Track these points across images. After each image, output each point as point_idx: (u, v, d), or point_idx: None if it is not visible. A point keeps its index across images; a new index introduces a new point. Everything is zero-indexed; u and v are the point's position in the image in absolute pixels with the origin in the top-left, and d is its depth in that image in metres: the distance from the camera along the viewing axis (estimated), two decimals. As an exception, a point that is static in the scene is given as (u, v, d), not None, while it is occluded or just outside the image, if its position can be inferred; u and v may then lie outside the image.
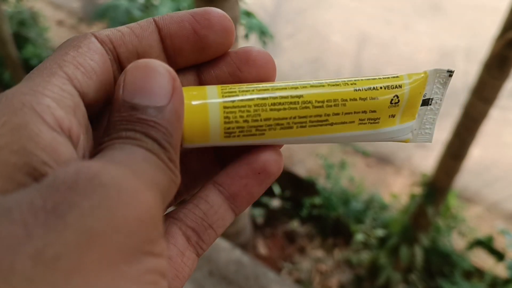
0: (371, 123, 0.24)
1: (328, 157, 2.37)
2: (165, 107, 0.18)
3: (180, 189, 0.25)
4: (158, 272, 0.15)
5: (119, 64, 0.22)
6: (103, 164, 0.15)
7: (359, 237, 2.01)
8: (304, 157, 2.56)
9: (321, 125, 0.23)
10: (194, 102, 0.21)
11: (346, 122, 0.24)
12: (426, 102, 0.25)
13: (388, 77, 0.25)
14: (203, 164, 0.26)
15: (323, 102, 0.23)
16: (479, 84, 1.40)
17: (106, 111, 0.22)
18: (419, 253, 1.70)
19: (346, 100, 0.23)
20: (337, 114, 0.23)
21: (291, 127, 0.23)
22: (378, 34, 3.50)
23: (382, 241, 1.84)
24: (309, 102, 0.23)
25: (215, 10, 0.23)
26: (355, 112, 0.24)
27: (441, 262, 1.87)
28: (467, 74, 3.13)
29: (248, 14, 1.94)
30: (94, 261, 0.13)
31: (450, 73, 0.25)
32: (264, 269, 1.27)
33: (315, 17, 3.70)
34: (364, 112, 0.24)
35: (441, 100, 0.26)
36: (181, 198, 0.25)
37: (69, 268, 0.13)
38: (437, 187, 1.65)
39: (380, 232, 1.95)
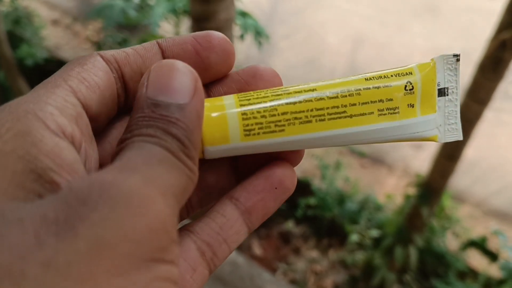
0: (390, 113, 0.24)
1: (323, 157, 2.37)
2: (187, 105, 0.18)
3: (194, 203, 0.25)
4: (169, 279, 0.15)
5: (123, 82, 0.22)
6: (115, 176, 0.16)
7: (354, 237, 2.01)
8: (299, 158, 2.57)
9: (340, 118, 0.23)
10: (211, 111, 0.22)
11: (365, 114, 0.23)
12: (442, 93, 0.25)
13: (397, 68, 0.25)
14: (219, 178, 0.25)
15: (337, 93, 0.23)
16: (474, 85, 1.41)
17: (111, 128, 0.23)
18: (413, 254, 1.70)
19: (359, 89, 0.24)
20: (354, 104, 0.23)
21: (310, 121, 0.23)
22: (374, 35, 3.51)
23: (377, 241, 1.85)
24: (323, 93, 0.23)
25: (216, 33, 0.23)
26: (371, 102, 0.24)
27: (435, 262, 1.88)
28: (462, 75, 3.14)
29: (244, 14, 1.94)
30: (105, 268, 0.14)
31: (457, 57, 0.25)
32: (259, 269, 1.27)
33: (311, 18, 3.70)
34: (381, 101, 0.24)
35: (457, 89, 0.25)
36: (194, 212, 0.25)
37: (80, 275, 0.13)
38: (431, 188, 1.66)
39: (374, 233, 1.95)
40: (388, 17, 3.70)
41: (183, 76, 0.19)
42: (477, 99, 1.41)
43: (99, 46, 2.66)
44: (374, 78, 0.24)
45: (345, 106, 0.23)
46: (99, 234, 0.14)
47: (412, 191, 1.77)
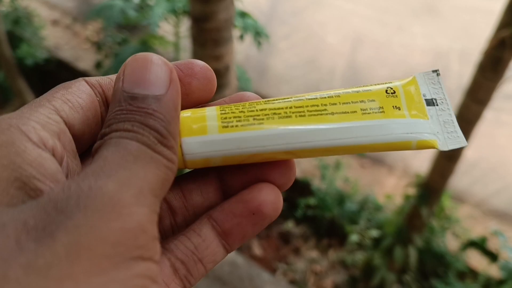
0: (375, 112, 0.23)
1: (322, 157, 2.37)
2: (164, 96, 0.19)
3: (179, 223, 0.25)
4: (147, 276, 0.16)
5: (107, 106, 0.23)
6: (91, 184, 0.16)
7: (354, 237, 2.02)
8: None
9: (321, 114, 0.22)
10: (192, 113, 0.23)
11: (347, 112, 0.23)
12: (431, 103, 0.25)
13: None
14: (205, 198, 0.25)
15: (315, 97, 0.23)
16: (473, 85, 1.41)
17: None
18: (413, 254, 1.71)
19: (339, 93, 0.23)
20: (334, 104, 0.23)
21: (290, 116, 0.22)
22: (373, 36, 3.51)
23: (377, 242, 1.85)
24: (302, 97, 0.23)
25: (198, 62, 0.24)
26: (352, 102, 0.23)
27: (435, 263, 1.88)
28: (461, 75, 3.14)
29: (244, 14, 1.94)
30: (84, 269, 0.14)
31: (436, 72, 0.25)
32: (259, 270, 1.26)
33: (310, 18, 3.70)
34: (363, 101, 0.23)
35: (446, 100, 0.25)
36: (180, 231, 0.25)
37: (60, 276, 0.14)
38: (431, 188, 1.66)
39: (374, 233, 1.96)
40: (387, 17, 3.70)
41: (158, 68, 0.19)
42: (477, 99, 1.41)
43: (98, 46, 2.66)
44: (353, 87, 0.24)
45: (325, 105, 0.23)
46: (76, 239, 0.15)
47: (411, 191, 1.77)
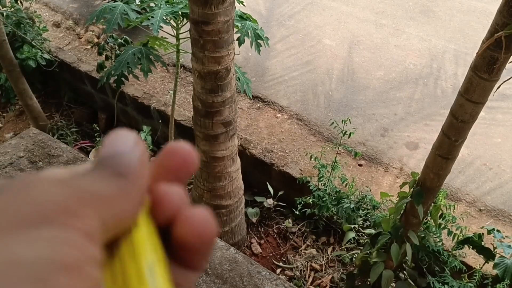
0: None
1: (320, 157, 2.40)
2: (130, 154, 0.23)
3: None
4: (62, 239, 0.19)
5: None
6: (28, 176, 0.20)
7: (351, 235, 2.04)
8: (298, 158, 2.59)
9: None
10: None
11: None
12: None
13: None
14: None
15: None
16: (469, 85, 1.41)
17: None
18: (409, 252, 1.72)
19: None
20: None
21: None
22: (369, 37, 3.54)
23: (374, 239, 1.87)
24: None
25: (182, 147, 0.27)
26: None
27: (431, 260, 1.91)
28: (457, 76, 3.18)
29: (243, 17, 1.95)
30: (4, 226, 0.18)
31: None
32: (258, 267, 1.29)
33: (307, 20, 3.73)
34: None
35: None
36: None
37: None
38: (427, 187, 1.67)
39: (371, 231, 1.98)
40: (383, 20, 3.73)
41: (126, 136, 0.24)
42: (472, 99, 1.42)
43: (100, 48, 2.68)
44: None
45: None
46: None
47: (408, 190, 1.79)
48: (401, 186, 1.86)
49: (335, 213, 2.28)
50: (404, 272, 1.92)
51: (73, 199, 0.20)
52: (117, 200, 0.21)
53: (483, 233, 1.83)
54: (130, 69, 1.97)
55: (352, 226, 2.11)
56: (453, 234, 1.91)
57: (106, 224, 0.20)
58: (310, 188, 2.32)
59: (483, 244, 1.80)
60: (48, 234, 0.18)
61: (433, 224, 1.90)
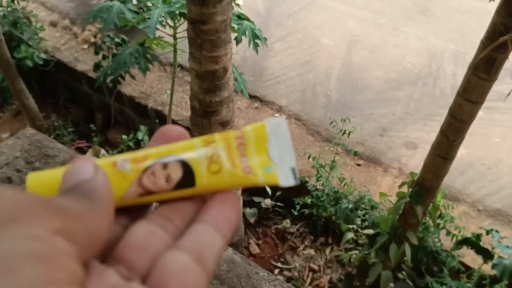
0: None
1: (318, 157, 2.39)
2: (93, 179, 0.24)
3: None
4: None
5: None
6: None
7: (350, 236, 2.03)
8: (296, 158, 2.58)
9: None
10: None
11: None
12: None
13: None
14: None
15: None
16: (467, 85, 1.42)
17: None
18: (408, 252, 1.72)
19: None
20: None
21: None
22: (368, 37, 3.54)
23: (372, 240, 1.86)
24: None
25: (174, 128, 0.29)
26: None
27: (430, 260, 1.90)
28: (455, 75, 3.18)
29: (241, 17, 1.95)
30: None
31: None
32: (256, 268, 1.28)
33: (306, 20, 3.72)
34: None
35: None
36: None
37: None
38: (426, 187, 1.67)
39: (370, 231, 1.97)
40: (382, 19, 3.73)
41: (85, 165, 0.24)
42: (471, 98, 1.42)
43: (97, 47, 2.67)
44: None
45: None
46: None
47: (406, 190, 1.78)
48: (399, 186, 1.85)
49: (333, 213, 2.27)
50: (403, 272, 1.91)
51: (38, 205, 0.20)
52: (86, 216, 0.22)
53: (481, 234, 1.82)
54: (127, 68, 1.96)
55: (351, 226, 2.10)
56: (451, 235, 1.91)
57: (77, 237, 0.21)
58: (308, 188, 2.31)
59: (481, 245, 1.79)
60: (14, 231, 0.19)
61: (432, 224, 1.90)
